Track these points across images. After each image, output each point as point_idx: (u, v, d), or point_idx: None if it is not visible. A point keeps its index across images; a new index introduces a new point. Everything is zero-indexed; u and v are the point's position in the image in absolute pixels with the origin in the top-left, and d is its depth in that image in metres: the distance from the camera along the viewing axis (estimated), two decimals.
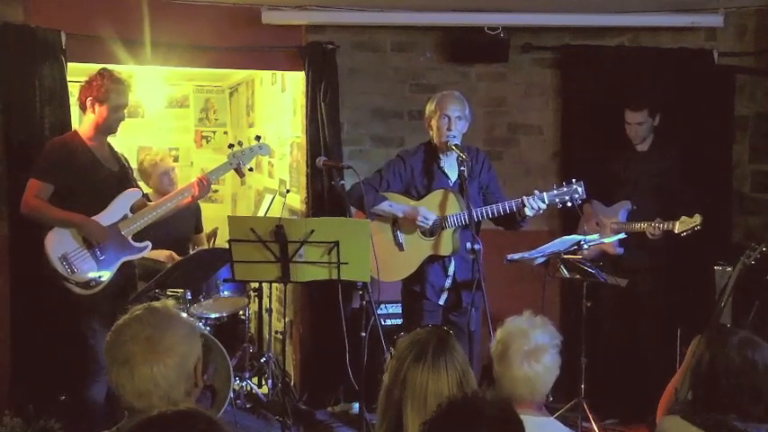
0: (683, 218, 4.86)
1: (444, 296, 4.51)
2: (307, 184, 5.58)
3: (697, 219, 4.82)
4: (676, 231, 4.87)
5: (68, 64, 5.00)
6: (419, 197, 4.51)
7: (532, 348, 2.58)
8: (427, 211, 4.42)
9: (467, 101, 4.54)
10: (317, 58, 5.45)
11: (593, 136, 5.60)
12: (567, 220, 5.48)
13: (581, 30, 5.72)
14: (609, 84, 5.62)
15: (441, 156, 4.51)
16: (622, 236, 5.00)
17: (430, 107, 4.50)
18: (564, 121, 5.79)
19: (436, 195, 4.49)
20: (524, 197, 4.31)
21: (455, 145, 4.38)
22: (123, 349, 2.06)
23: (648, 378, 4.88)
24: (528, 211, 4.31)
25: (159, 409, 2.00)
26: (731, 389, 2.60)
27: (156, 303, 2.21)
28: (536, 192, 4.33)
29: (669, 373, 4.11)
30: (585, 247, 4.81)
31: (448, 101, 4.45)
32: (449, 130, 4.40)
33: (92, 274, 4.26)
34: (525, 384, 2.55)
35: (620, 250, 5.08)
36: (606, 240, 4.98)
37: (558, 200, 4.34)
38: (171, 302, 2.26)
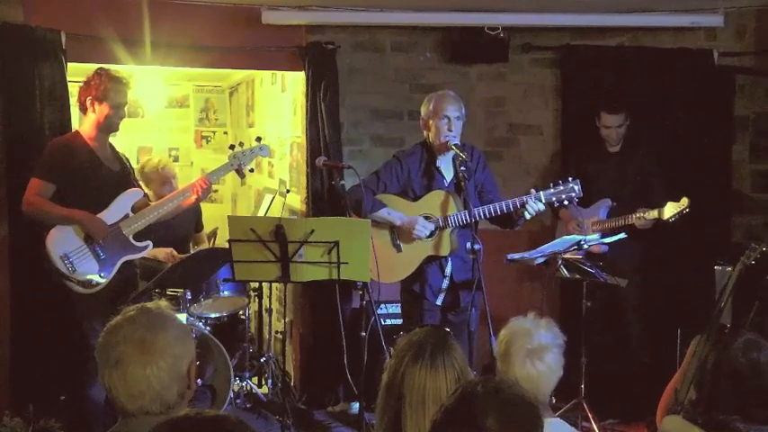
0: (670, 203, 4.86)
1: (442, 296, 4.52)
2: (307, 184, 5.58)
3: (684, 201, 4.82)
4: (665, 218, 4.87)
5: (68, 64, 4.99)
6: (416, 198, 4.51)
7: (535, 347, 2.58)
8: (425, 221, 4.42)
9: (462, 100, 4.54)
10: (317, 58, 5.45)
11: (594, 136, 5.60)
12: None
13: (581, 30, 5.72)
14: (609, 84, 5.62)
15: (437, 156, 4.51)
16: (623, 236, 5.00)
17: (427, 108, 4.49)
18: (564, 121, 5.79)
19: (433, 196, 4.48)
20: (525, 197, 4.30)
21: (455, 145, 4.38)
22: (116, 350, 2.05)
23: (648, 378, 4.88)
24: (527, 213, 4.30)
25: (152, 410, 1.99)
26: (736, 391, 2.60)
27: (149, 304, 2.18)
28: (533, 191, 4.31)
29: (669, 373, 4.11)
30: (586, 246, 4.82)
31: (446, 101, 4.45)
32: (449, 130, 4.40)
33: (93, 273, 4.26)
34: (528, 383, 2.52)
35: (605, 248, 5.06)
36: (606, 240, 4.98)
37: (554, 198, 4.34)
38: (164, 303, 2.22)
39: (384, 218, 4.47)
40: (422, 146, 4.57)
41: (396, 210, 4.49)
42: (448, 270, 4.51)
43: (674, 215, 4.85)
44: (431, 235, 4.44)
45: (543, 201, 4.30)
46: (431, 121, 4.46)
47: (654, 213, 4.92)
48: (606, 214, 5.19)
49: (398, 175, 4.52)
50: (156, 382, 2.01)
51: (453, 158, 4.42)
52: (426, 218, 4.45)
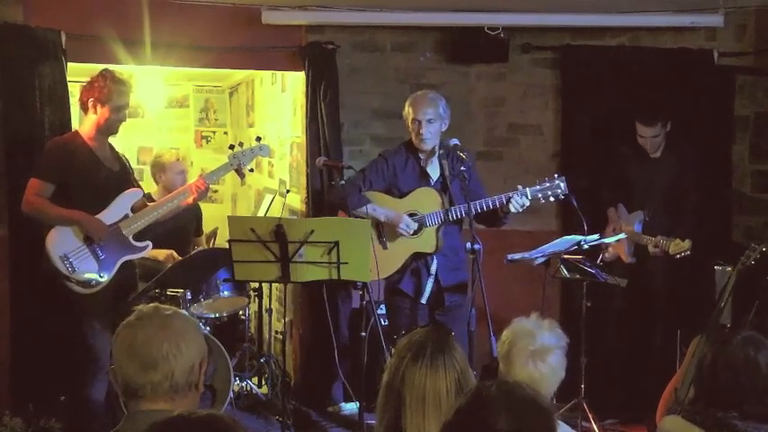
0: (677, 240, 4.90)
1: (427, 295, 4.53)
2: (307, 184, 5.58)
3: (686, 244, 4.88)
4: (670, 252, 4.91)
5: (68, 64, 4.99)
6: (401, 195, 4.54)
7: (538, 348, 2.58)
8: (409, 219, 4.44)
9: (442, 99, 4.55)
10: (317, 58, 5.45)
11: (594, 136, 5.60)
12: (568, 220, 5.49)
13: (581, 30, 5.71)
14: (609, 84, 5.62)
15: (422, 155, 4.54)
16: (622, 236, 5.01)
17: (405, 109, 4.54)
18: (564, 121, 5.79)
19: (419, 193, 4.52)
20: (510, 193, 4.35)
21: (455, 145, 4.42)
22: (135, 329, 2.08)
23: (648, 378, 4.88)
24: (512, 208, 4.34)
25: (160, 389, 2.02)
26: (732, 386, 2.60)
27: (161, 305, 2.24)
28: (519, 187, 4.37)
29: (669, 373, 4.11)
30: (585, 246, 4.82)
31: (419, 104, 4.49)
32: (419, 133, 4.44)
33: (92, 274, 4.26)
34: (530, 384, 2.52)
35: (632, 260, 5.14)
36: (606, 241, 4.99)
37: (540, 195, 4.40)
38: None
39: (369, 214, 4.49)
40: (407, 145, 4.60)
41: (382, 206, 4.50)
42: (433, 268, 4.53)
43: (677, 253, 4.90)
44: (416, 232, 4.46)
45: (529, 197, 4.35)
46: (407, 122, 4.51)
47: (665, 244, 4.95)
48: (641, 228, 5.21)
49: (384, 173, 4.55)
50: (173, 357, 2.04)
51: (439, 158, 4.46)
52: (412, 215, 4.48)
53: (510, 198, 4.35)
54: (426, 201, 4.48)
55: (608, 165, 5.49)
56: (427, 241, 4.47)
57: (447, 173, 4.38)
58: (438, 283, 4.52)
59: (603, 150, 5.55)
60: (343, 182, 4.46)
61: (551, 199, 4.45)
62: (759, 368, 2.62)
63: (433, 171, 4.55)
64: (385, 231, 4.53)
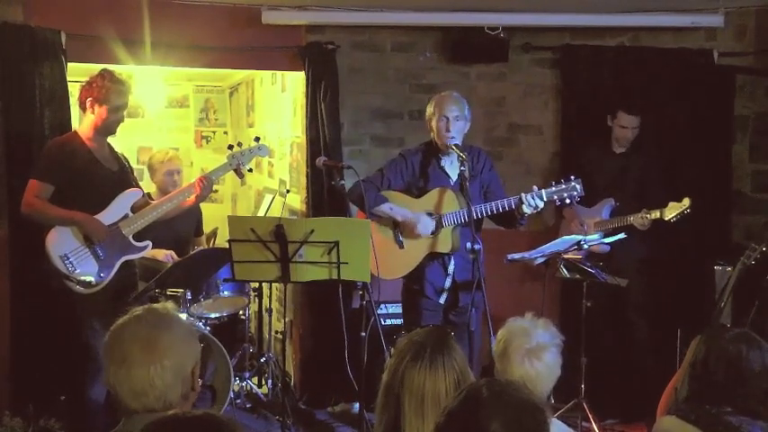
0: (671, 203, 4.86)
1: (444, 295, 4.52)
2: (307, 184, 5.59)
3: (686, 202, 4.81)
4: (666, 218, 4.87)
5: (68, 64, 4.99)
6: (419, 195, 4.53)
7: (533, 347, 2.59)
8: (427, 219, 4.42)
9: (466, 101, 4.55)
10: (317, 58, 5.45)
11: (593, 136, 5.60)
12: None
13: (581, 30, 5.72)
14: (609, 84, 5.62)
15: (441, 155, 4.53)
16: (623, 235, 5.00)
17: (430, 108, 4.53)
18: (564, 121, 5.79)
19: (436, 193, 4.50)
20: (522, 194, 4.32)
21: (455, 145, 4.40)
22: (121, 348, 2.06)
23: (648, 378, 4.88)
24: (526, 209, 4.31)
25: (155, 410, 2.00)
26: (723, 380, 2.61)
27: (155, 305, 2.22)
28: (534, 188, 4.33)
29: (669, 373, 4.11)
30: (586, 246, 4.82)
31: (446, 102, 4.47)
32: (447, 131, 4.42)
33: (92, 274, 4.26)
34: (526, 383, 2.53)
35: (606, 248, 5.06)
36: (607, 240, 4.98)
37: (556, 197, 4.35)
38: (171, 305, 2.26)
39: (386, 213, 4.49)
40: (427, 145, 4.59)
41: (399, 206, 4.50)
42: (451, 268, 4.52)
43: (675, 216, 4.85)
44: (433, 232, 4.45)
45: (544, 198, 4.31)
46: (432, 122, 4.50)
47: (656, 214, 4.91)
48: (609, 214, 5.20)
49: (403, 172, 4.55)
50: (160, 381, 2.02)
51: (457, 158, 4.44)
52: (429, 215, 4.46)
53: (524, 199, 4.31)
54: (443, 201, 4.47)
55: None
56: (443, 241, 4.46)
57: (461, 174, 4.35)
58: (455, 284, 4.52)
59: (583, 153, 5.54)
60: (343, 182, 4.45)
61: (567, 201, 4.41)
62: (750, 365, 2.62)
63: (453, 171, 4.54)
64: (402, 231, 4.52)
